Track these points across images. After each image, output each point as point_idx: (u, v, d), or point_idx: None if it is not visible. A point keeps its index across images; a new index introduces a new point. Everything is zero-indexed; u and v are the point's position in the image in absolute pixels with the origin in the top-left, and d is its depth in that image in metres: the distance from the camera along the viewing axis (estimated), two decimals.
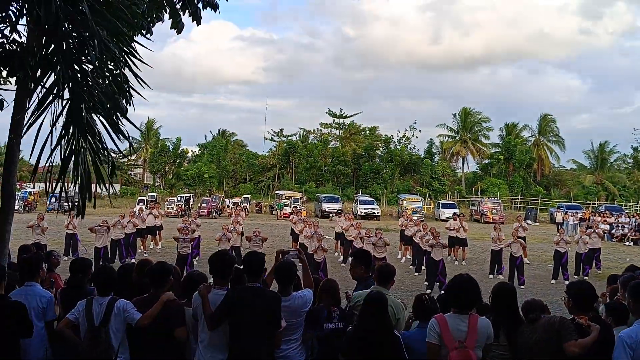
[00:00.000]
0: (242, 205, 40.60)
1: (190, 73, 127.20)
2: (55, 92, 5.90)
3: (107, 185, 6.32)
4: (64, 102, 5.87)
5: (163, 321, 5.00)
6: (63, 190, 6.08)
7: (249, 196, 55.72)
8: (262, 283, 5.34)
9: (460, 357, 4.49)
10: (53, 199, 33.75)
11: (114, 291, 5.87)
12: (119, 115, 6.26)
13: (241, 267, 5.37)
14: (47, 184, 6.07)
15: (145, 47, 6.49)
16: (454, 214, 25.35)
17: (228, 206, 46.46)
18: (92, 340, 4.99)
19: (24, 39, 6.45)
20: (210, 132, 77.43)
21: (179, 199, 47.88)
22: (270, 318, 4.91)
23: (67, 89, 5.85)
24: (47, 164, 5.93)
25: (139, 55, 6.18)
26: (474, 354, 4.56)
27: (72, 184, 6.02)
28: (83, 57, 5.84)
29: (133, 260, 17.79)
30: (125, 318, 5.07)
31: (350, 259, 6.74)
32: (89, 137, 5.95)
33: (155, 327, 4.98)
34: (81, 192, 6.01)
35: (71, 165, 5.95)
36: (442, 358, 4.60)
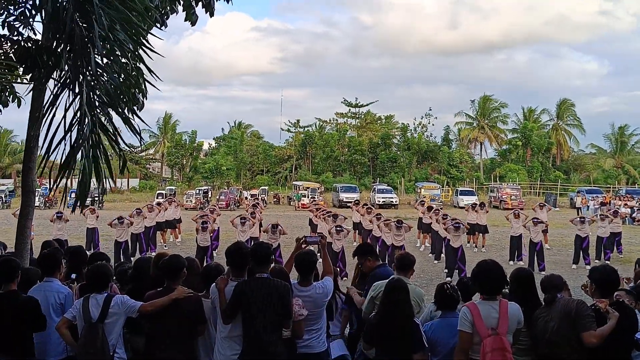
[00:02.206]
0: (259, 197, 40.66)
1: (207, 66, 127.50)
2: (65, 83, 5.90)
3: (103, 180, 6.24)
4: (75, 94, 5.86)
5: (184, 319, 5.05)
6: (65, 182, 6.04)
7: (266, 187, 55.90)
8: (279, 272, 5.36)
9: (494, 344, 4.46)
10: (73, 195, 34.10)
11: (132, 285, 5.93)
12: (133, 108, 6.26)
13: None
14: (53, 178, 6.02)
15: (159, 38, 6.49)
16: (474, 204, 24.90)
17: (246, 198, 46.64)
18: (89, 338, 5.00)
19: (39, 37, 6.50)
20: (228, 123, 77.92)
21: (197, 191, 48.16)
22: (279, 308, 4.88)
23: (77, 81, 5.84)
24: (57, 159, 5.91)
25: (152, 47, 6.15)
26: (507, 340, 4.54)
27: (76, 178, 5.97)
28: (93, 49, 5.81)
29: (153, 254, 17.90)
30: (126, 312, 5.10)
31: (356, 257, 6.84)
32: (98, 130, 5.93)
33: (176, 324, 5.03)
34: (80, 186, 5.94)
35: (78, 158, 5.91)
36: (475, 345, 4.58)
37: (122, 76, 6.21)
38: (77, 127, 5.76)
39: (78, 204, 6.05)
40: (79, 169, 5.87)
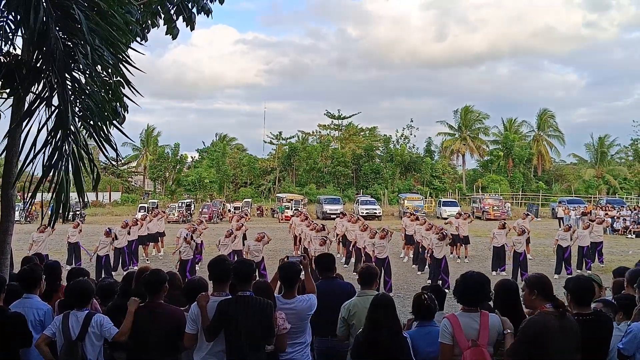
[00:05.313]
0: (242, 211, 40.53)
1: (192, 79, 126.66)
2: (43, 97, 5.85)
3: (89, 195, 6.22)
4: (53, 109, 5.80)
5: (166, 334, 5.02)
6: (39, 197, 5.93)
7: (250, 200, 55.72)
8: (262, 287, 5.33)
9: (475, 356, 4.45)
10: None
11: (119, 300, 5.86)
12: (113, 122, 6.21)
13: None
14: (25, 193, 5.92)
15: (141, 53, 6.44)
16: (458, 214, 25.17)
17: (229, 210, 46.41)
18: (68, 356, 4.94)
19: (18, 51, 6.44)
20: (216, 134, 77.69)
21: (180, 204, 47.87)
22: (263, 325, 4.85)
23: (56, 95, 5.79)
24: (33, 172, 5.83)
25: (133, 62, 6.12)
26: (488, 352, 4.53)
27: (50, 192, 5.85)
28: (74, 64, 5.77)
29: (136, 268, 17.73)
30: (102, 333, 5.06)
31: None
32: (75, 146, 5.85)
33: (158, 339, 5.00)
34: (57, 200, 5.85)
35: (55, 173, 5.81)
36: (455, 357, 4.56)
37: (103, 91, 6.17)
38: (52, 143, 5.70)
39: (58, 219, 5.97)
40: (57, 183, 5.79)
